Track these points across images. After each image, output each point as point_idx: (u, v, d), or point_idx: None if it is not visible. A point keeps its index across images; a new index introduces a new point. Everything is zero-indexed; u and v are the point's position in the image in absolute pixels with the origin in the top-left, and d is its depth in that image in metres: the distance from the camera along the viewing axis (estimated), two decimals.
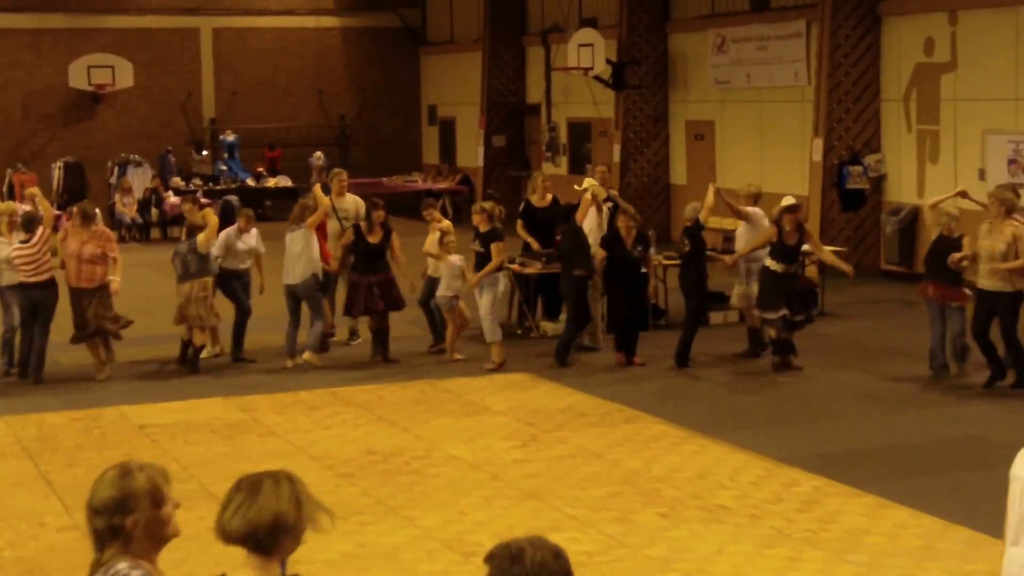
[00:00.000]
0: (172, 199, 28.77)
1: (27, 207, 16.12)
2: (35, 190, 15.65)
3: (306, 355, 15.05)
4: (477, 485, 10.31)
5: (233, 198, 28.32)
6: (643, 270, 14.73)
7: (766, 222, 14.98)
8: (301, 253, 15.02)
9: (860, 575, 8.20)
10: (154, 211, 29.47)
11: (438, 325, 15.73)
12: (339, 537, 9.04)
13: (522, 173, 29.95)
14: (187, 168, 33.13)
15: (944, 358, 13.54)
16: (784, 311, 13.84)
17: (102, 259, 14.46)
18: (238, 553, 3.85)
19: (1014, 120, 18.86)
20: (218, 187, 31.43)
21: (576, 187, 15.69)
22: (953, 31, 19.86)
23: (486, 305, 14.65)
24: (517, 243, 16.96)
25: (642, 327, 14.82)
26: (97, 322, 14.38)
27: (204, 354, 15.21)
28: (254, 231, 15.56)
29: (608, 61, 26.21)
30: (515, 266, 16.49)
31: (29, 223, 14.62)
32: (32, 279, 14.32)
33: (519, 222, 16.78)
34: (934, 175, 20.28)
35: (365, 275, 15.04)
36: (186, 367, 14.89)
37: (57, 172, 30.64)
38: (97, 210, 15.57)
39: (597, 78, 26.45)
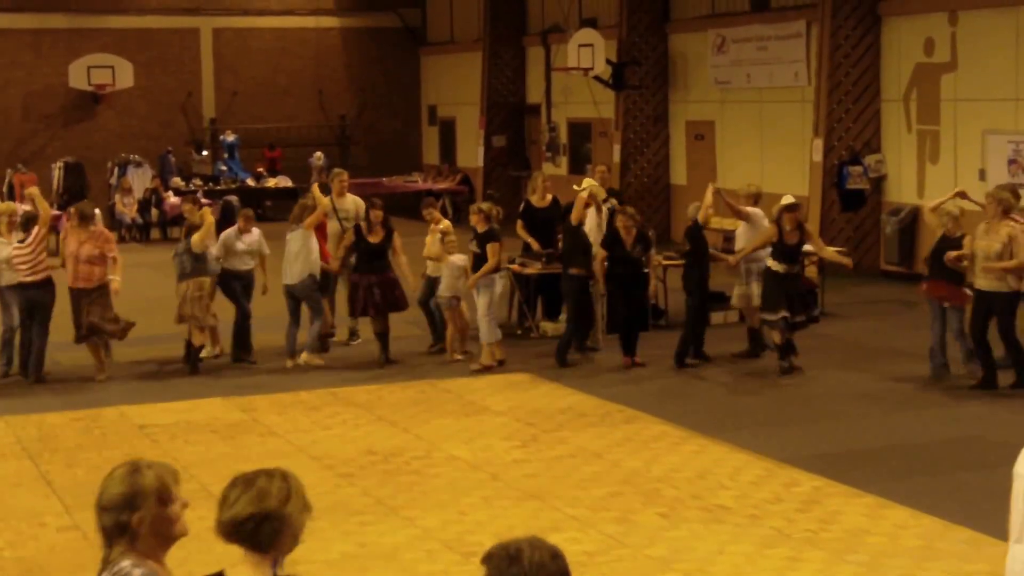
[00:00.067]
0: (172, 199, 28.77)
1: (27, 207, 16.13)
2: (34, 190, 15.64)
3: (304, 356, 15.05)
4: (477, 485, 10.31)
5: (233, 198, 28.34)
6: (644, 270, 14.73)
7: (766, 222, 14.98)
8: (298, 253, 15.02)
9: (860, 575, 8.21)
10: (154, 211, 29.46)
11: (438, 325, 15.73)
12: (339, 537, 9.05)
13: (522, 173, 29.95)
14: (187, 168, 33.12)
15: (944, 358, 13.54)
16: (783, 313, 13.84)
17: (100, 260, 14.45)
18: (238, 552, 3.85)
19: (1014, 120, 18.87)
20: (218, 187, 31.43)
21: (575, 187, 15.69)
22: (953, 31, 19.87)
23: (483, 306, 14.64)
24: (517, 243, 16.96)
25: (642, 327, 14.82)
26: (94, 322, 14.37)
27: (204, 354, 15.21)
28: (256, 231, 15.52)
29: (608, 61, 26.21)
30: (515, 266, 16.49)
31: (28, 223, 14.64)
32: (28, 279, 14.33)
33: (519, 222, 16.77)
34: (934, 175, 20.29)
35: (365, 275, 15.03)
36: (187, 367, 14.90)
37: (57, 172, 30.63)
38: (97, 210, 15.57)
39: (597, 78, 26.45)
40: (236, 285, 15.28)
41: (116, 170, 30.84)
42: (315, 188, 15.93)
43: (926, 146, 20.50)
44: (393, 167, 34.68)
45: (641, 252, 14.59)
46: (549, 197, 16.78)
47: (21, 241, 14.41)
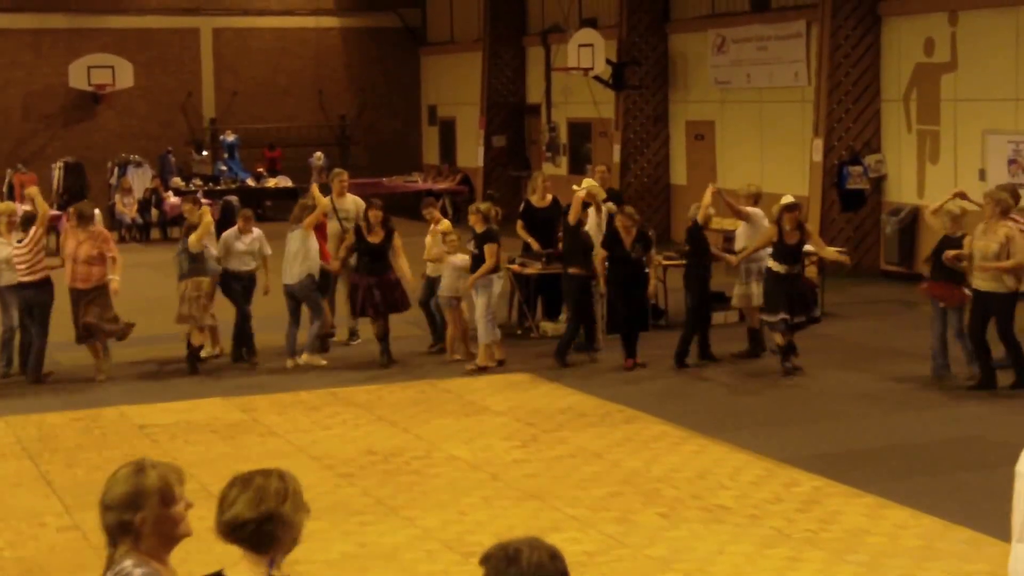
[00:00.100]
0: (172, 199, 28.77)
1: (27, 207, 16.13)
2: (34, 189, 15.64)
3: (303, 357, 15.05)
4: (477, 485, 10.31)
5: (233, 198, 28.34)
6: (645, 270, 14.72)
7: (766, 222, 14.99)
8: (297, 253, 15.01)
9: (860, 575, 8.20)
10: (154, 211, 29.46)
11: (438, 326, 15.72)
12: (339, 537, 9.05)
13: (522, 173, 29.95)
14: (187, 168, 33.12)
15: (946, 360, 13.53)
16: (783, 315, 13.84)
17: (99, 260, 14.44)
18: (238, 552, 3.86)
19: (1014, 120, 18.87)
20: (218, 187, 31.43)
21: (575, 187, 15.69)
22: (953, 31, 19.87)
23: (481, 307, 14.62)
24: (517, 243, 16.96)
25: (642, 327, 14.82)
26: (90, 323, 14.36)
27: (204, 354, 15.22)
28: (257, 232, 15.44)
29: (608, 61, 26.21)
30: (515, 266, 16.49)
31: (28, 223, 14.66)
32: (26, 279, 14.35)
33: (519, 222, 16.77)
34: (934, 175, 20.29)
35: (365, 276, 15.01)
36: (187, 367, 14.90)
37: (57, 172, 30.63)
38: (97, 211, 15.56)
39: (597, 78, 26.45)
40: (236, 286, 15.23)
41: (116, 170, 30.84)
42: (314, 188, 15.90)
43: (926, 146, 20.50)
44: (393, 167, 34.68)
45: (641, 252, 14.58)
46: (549, 197, 16.77)
47: (20, 241, 14.42)
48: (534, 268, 16.41)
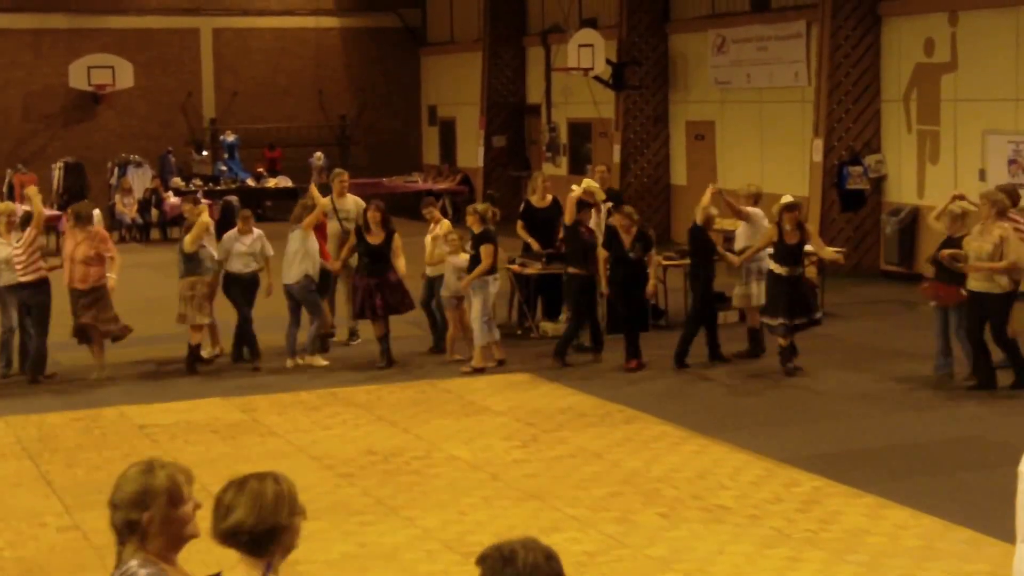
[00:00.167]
0: (172, 199, 28.77)
1: (28, 207, 16.14)
2: (32, 190, 15.61)
3: (307, 358, 15.04)
4: (477, 485, 10.31)
5: (233, 199, 28.34)
6: (646, 270, 14.72)
7: (766, 222, 15.00)
8: (296, 253, 15.00)
9: (860, 575, 8.20)
10: (154, 211, 29.45)
11: (439, 327, 15.68)
12: (339, 537, 9.06)
13: (522, 173, 29.96)
14: (187, 168, 33.13)
15: (947, 365, 13.51)
16: (782, 319, 13.84)
17: (96, 260, 14.43)
18: (236, 554, 3.86)
19: (1014, 120, 18.87)
20: (218, 187, 31.43)
21: (574, 187, 15.68)
22: (953, 31, 19.87)
23: (477, 308, 14.58)
24: (517, 243, 16.96)
25: (642, 327, 14.82)
26: (86, 323, 14.36)
27: (205, 354, 15.21)
28: (257, 232, 15.33)
29: (608, 61, 26.21)
30: (515, 266, 16.49)
31: (28, 224, 14.67)
32: (22, 279, 14.36)
33: (519, 222, 16.77)
34: (934, 176, 20.29)
35: (365, 278, 14.98)
36: (185, 367, 14.92)
37: (57, 172, 30.64)
38: (97, 211, 15.56)
39: (597, 78, 26.46)
40: (236, 288, 15.17)
41: (116, 170, 30.84)
42: (312, 188, 15.88)
43: (926, 146, 20.50)
44: (393, 167, 34.69)
45: (641, 252, 14.58)
46: (549, 197, 16.77)
47: (20, 241, 14.43)
48: (534, 268, 16.41)
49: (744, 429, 11.88)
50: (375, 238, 15.01)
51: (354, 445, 11.64)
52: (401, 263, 15.16)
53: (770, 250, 14.25)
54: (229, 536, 3.80)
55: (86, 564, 8.68)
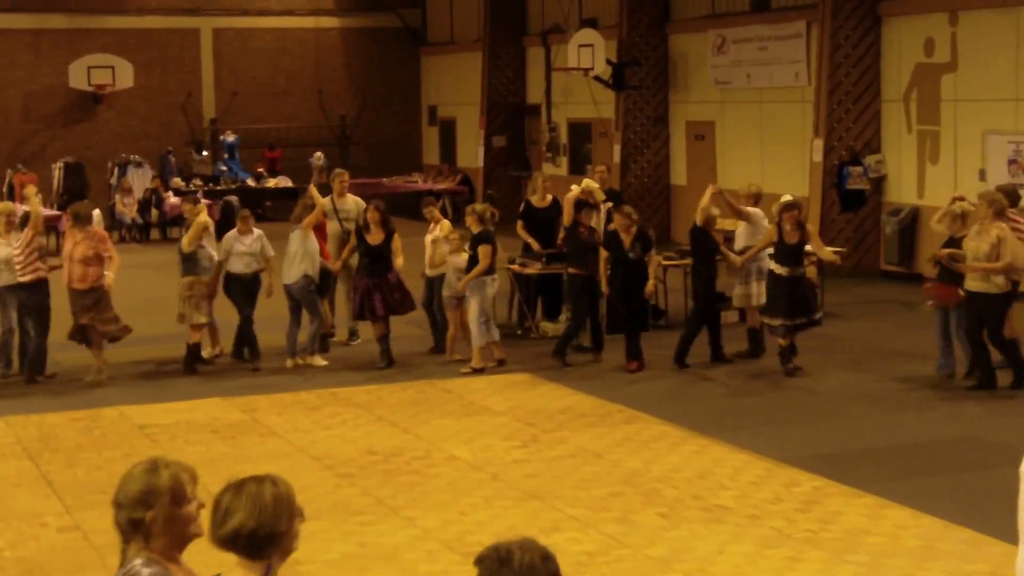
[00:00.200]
0: (172, 200, 28.76)
1: (27, 207, 16.13)
2: (31, 190, 15.61)
3: (307, 358, 15.04)
4: (477, 485, 10.31)
5: (233, 199, 28.34)
6: (647, 270, 14.72)
7: (766, 222, 15.00)
8: (295, 253, 15.00)
9: (860, 575, 8.21)
10: (154, 212, 29.46)
11: (440, 328, 15.66)
12: (339, 537, 9.06)
13: (522, 173, 29.95)
14: (187, 168, 33.12)
15: (949, 365, 13.52)
16: (782, 319, 13.84)
17: (95, 260, 14.42)
18: (234, 558, 3.86)
19: (1014, 120, 18.87)
20: (218, 188, 31.43)
21: (574, 187, 15.68)
22: (953, 31, 19.87)
23: (474, 309, 14.57)
24: (517, 243, 16.96)
25: (642, 327, 14.82)
26: (83, 324, 14.35)
27: (205, 355, 15.22)
28: (258, 232, 15.28)
29: (608, 61, 26.21)
30: (515, 266, 16.49)
31: (26, 224, 14.67)
32: (20, 279, 14.37)
33: (519, 223, 16.77)
34: (934, 176, 20.29)
35: (365, 278, 14.97)
36: (183, 367, 14.92)
37: (57, 173, 30.65)
38: (97, 211, 15.55)
39: (597, 78, 26.45)
40: (236, 288, 15.14)
41: (116, 170, 30.85)
42: (312, 188, 15.87)
43: (926, 146, 20.50)
44: (393, 167, 34.68)
45: (640, 252, 14.57)
46: (549, 197, 16.78)
47: (19, 241, 14.45)
48: (534, 268, 16.40)
49: (744, 429, 11.88)
50: (375, 238, 15.01)
51: (354, 445, 11.64)
52: (399, 263, 15.14)
53: (770, 250, 14.25)
54: (228, 540, 3.79)
55: (86, 564, 8.68)
